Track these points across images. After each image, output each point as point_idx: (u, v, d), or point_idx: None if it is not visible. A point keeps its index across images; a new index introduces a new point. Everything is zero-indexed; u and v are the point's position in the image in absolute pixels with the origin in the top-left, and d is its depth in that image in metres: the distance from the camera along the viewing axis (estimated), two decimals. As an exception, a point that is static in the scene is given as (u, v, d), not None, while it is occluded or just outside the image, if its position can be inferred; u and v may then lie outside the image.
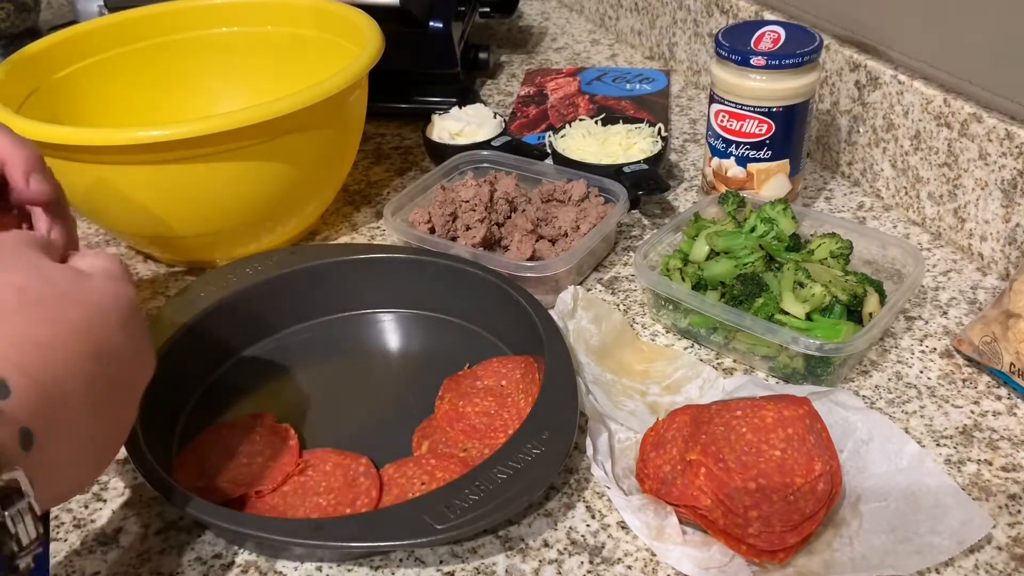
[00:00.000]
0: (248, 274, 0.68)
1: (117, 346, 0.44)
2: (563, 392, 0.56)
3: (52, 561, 0.53)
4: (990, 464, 0.56)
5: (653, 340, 0.68)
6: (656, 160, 0.83)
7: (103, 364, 0.43)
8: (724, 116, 0.76)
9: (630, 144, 0.85)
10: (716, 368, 0.65)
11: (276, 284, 0.68)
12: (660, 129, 0.87)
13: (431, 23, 0.94)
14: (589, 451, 0.56)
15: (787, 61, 0.71)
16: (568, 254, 0.69)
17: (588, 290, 0.73)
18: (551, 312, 0.64)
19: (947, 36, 0.74)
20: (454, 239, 0.75)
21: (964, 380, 0.63)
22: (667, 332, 0.69)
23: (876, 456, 0.55)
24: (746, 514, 0.49)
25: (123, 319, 0.45)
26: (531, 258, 0.73)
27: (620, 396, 0.62)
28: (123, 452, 0.59)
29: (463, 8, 1.03)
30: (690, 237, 0.71)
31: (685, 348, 0.67)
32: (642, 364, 0.65)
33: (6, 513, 0.36)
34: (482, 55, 1.05)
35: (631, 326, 0.69)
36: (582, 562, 0.51)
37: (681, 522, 0.51)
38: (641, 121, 0.89)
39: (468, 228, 0.75)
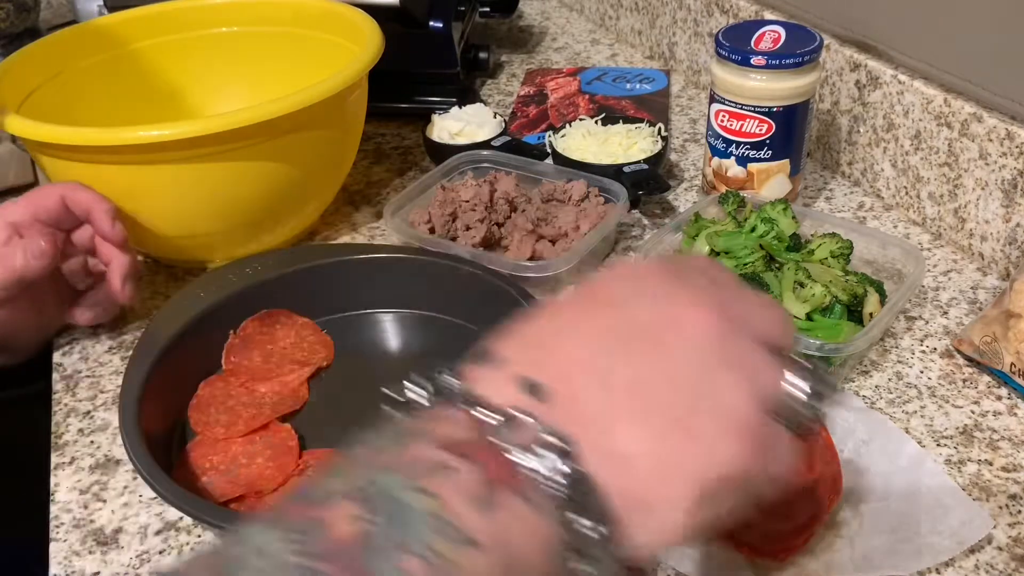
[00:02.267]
0: (248, 274, 0.68)
1: None
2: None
3: (52, 561, 0.53)
4: (990, 464, 0.56)
5: (653, 340, 0.68)
6: (656, 160, 0.83)
7: None
8: (724, 116, 0.76)
9: (630, 144, 0.85)
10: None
11: (276, 284, 0.68)
12: (660, 129, 0.87)
13: (431, 23, 0.94)
14: None
15: (787, 61, 0.71)
16: (568, 254, 0.69)
17: (588, 290, 0.73)
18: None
19: (947, 36, 0.74)
20: (454, 239, 0.75)
21: (964, 380, 0.63)
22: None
23: (876, 456, 0.55)
24: (748, 520, 0.49)
25: None
26: (531, 258, 0.73)
27: None
28: (123, 452, 0.59)
29: (463, 8, 1.03)
30: (690, 237, 0.71)
31: (685, 348, 0.67)
32: None
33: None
34: (482, 55, 1.05)
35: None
36: (582, 562, 0.51)
37: None
38: (641, 121, 0.89)
39: (468, 228, 0.74)
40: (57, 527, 0.55)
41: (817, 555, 0.50)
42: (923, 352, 0.65)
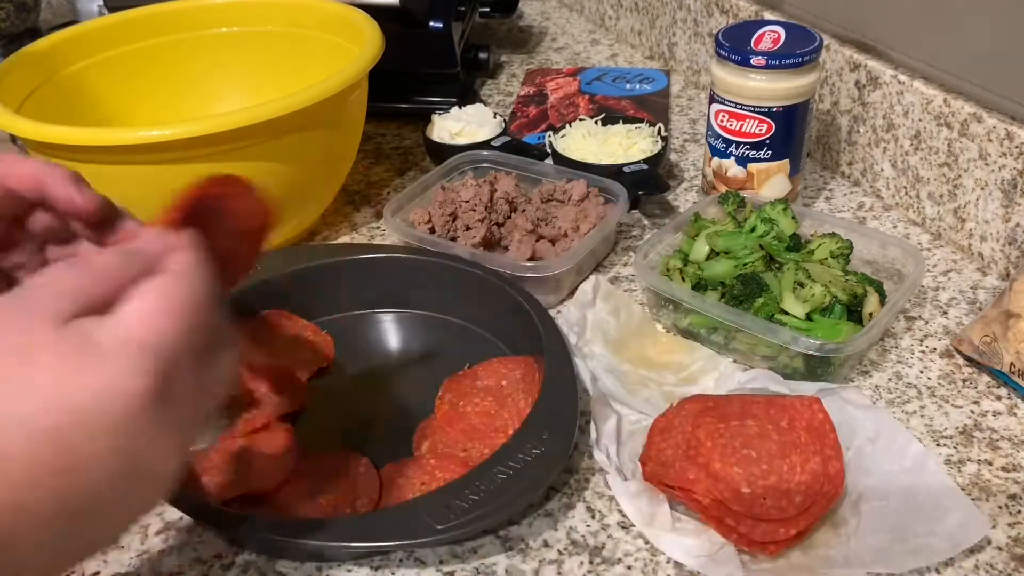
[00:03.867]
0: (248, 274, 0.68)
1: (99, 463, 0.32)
2: (563, 392, 0.56)
3: None
4: (990, 464, 0.56)
5: (653, 340, 0.68)
6: (656, 160, 0.83)
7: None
8: (724, 116, 0.76)
9: (630, 144, 0.85)
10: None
11: (276, 284, 0.68)
12: (660, 129, 0.87)
13: (431, 23, 0.94)
14: (593, 435, 0.57)
15: (787, 61, 0.71)
16: (568, 254, 0.69)
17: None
18: (568, 304, 0.64)
19: (947, 36, 0.74)
20: (454, 239, 0.75)
21: (964, 380, 0.63)
22: (667, 332, 0.69)
23: (880, 455, 0.55)
24: (738, 509, 0.49)
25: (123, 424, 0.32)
26: (531, 258, 0.73)
27: (636, 385, 0.62)
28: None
29: (463, 8, 1.03)
30: (690, 237, 0.71)
31: (685, 348, 0.67)
32: (661, 356, 0.65)
33: None
34: (482, 55, 1.05)
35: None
36: (582, 562, 0.51)
37: (676, 508, 0.52)
38: (641, 121, 0.89)
39: (468, 228, 0.75)
40: (57, 527, 0.55)
41: (812, 551, 0.50)
42: (923, 352, 0.66)
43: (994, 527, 0.52)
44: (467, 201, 0.75)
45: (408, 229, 0.74)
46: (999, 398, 0.61)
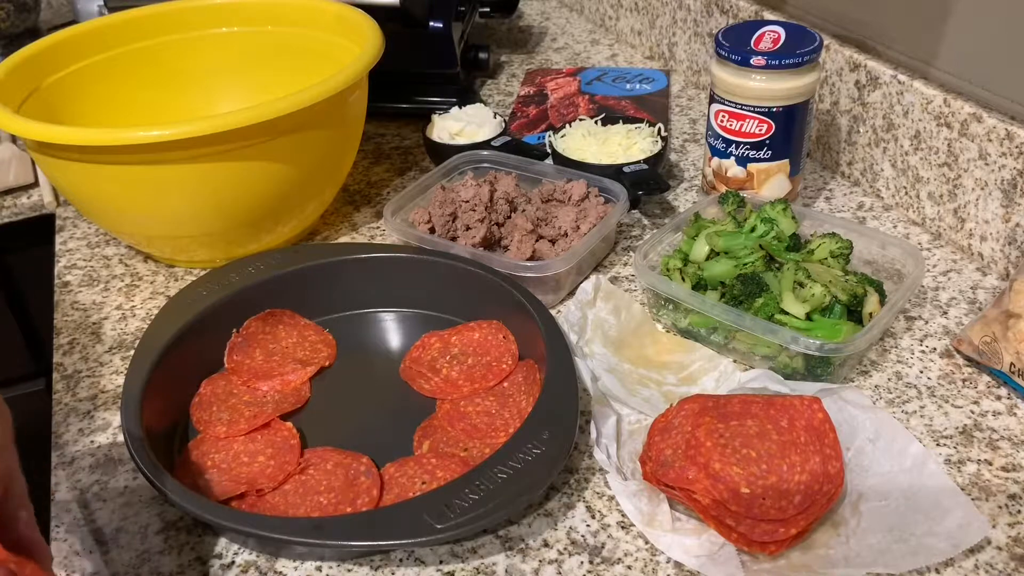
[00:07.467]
0: (250, 273, 0.68)
1: None
2: (563, 392, 0.56)
3: (53, 561, 0.53)
4: (990, 464, 0.56)
5: (653, 340, 0.68)
6: (656, 160, 0.83)
7: None
8: (724, 116, 0.76)
9: (630, 144, 0.85)
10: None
11: (277, 283, 0.68)
12: (660, 129, 0.87)
13: (431, 23, 0.94)
14: (593, 435, 0.57)
15: (787, 61, 0.71)
16: (568, 254, 0.69)
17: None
18: (568, 303, 0.64)
19: (947, 36, 0.74)
20: (454, 239, 0.75)
21: (964, 380, 0.63)
22: (667, 332, 0.69)
23: (881, 456, 0.55)
24: (738, 509, 0.49)
25: None
26: (531, 258, 0.73)
27: (636, 384, 0.62)
28: (123, 452, 0.59)
29: (463, 8, 1.03)
30: (690, 237, 0.71)
31: (685, 348, 0.67)
32: (660, 355, 0.66)
33: None
34: (482, 55, 1.05)
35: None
36: (582, 562, 0.51)
37: (676, 507, 0.52)
38: (641, 121, 0.89)
39: (468, 228, 0.75)
40: (57, 527, 0.55)
41: (811, 551, 0.50)
42: (923, 352, 0.66)
43: (994, 527, 0.52)
44: (467, 201, 0.75)
45: (408, 229, 0.74)
46: (999, 398, 0.61)
